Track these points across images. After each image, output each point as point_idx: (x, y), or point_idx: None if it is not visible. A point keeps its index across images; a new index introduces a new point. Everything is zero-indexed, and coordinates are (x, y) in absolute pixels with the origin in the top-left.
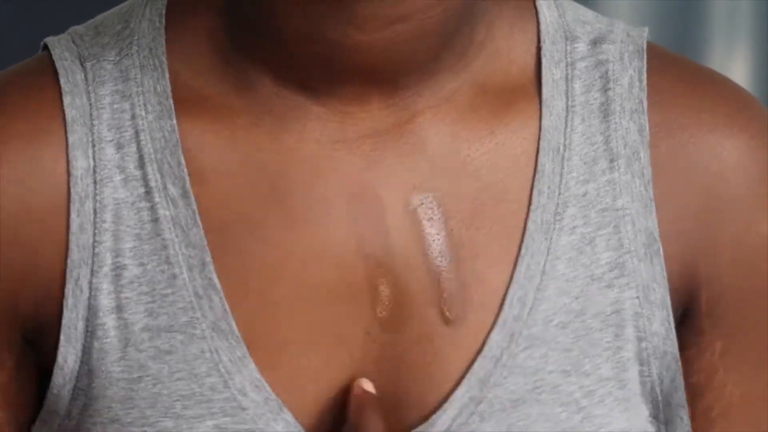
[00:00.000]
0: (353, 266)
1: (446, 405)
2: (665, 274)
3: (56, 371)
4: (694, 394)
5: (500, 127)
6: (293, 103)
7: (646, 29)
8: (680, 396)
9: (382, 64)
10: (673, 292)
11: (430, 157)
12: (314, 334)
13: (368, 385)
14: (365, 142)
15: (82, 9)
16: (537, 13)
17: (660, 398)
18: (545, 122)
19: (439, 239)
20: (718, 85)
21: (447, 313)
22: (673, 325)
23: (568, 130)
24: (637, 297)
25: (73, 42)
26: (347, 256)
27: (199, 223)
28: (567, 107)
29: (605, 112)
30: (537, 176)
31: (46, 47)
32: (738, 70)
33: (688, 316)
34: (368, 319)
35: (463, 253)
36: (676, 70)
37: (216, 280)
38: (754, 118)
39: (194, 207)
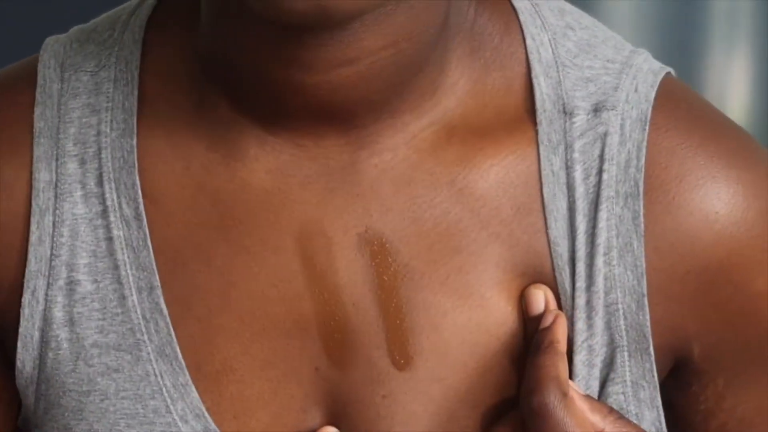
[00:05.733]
0: (300, 303)
1: None
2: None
3: (17, 374)
4: (706, 417)
5: (462, 174)
6: (248, 131)
7: (659, 80)
8: None
9: (331, 104)
10: (658, 348)
11: (384, 200)
12: (261, 365)
13: None
14: (319, 179)
15: (84, 6)
16: (525, 47)
17: None
18: (552, 233)
19: (389, 284)
20: (709, 139)
21: (397, 357)
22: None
23: (573, 233)
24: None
25: (64, 48)
26: (295, 292)
27: (150, 245)
28: (569, 207)
29: (598, 201)
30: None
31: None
32: (738, 70)
33: (683, 363)
34: (317, 355)
35: (416, 299)
36: (678, 118)
37: (163, 305)
38: (737, 177)
39: (146, 230)
